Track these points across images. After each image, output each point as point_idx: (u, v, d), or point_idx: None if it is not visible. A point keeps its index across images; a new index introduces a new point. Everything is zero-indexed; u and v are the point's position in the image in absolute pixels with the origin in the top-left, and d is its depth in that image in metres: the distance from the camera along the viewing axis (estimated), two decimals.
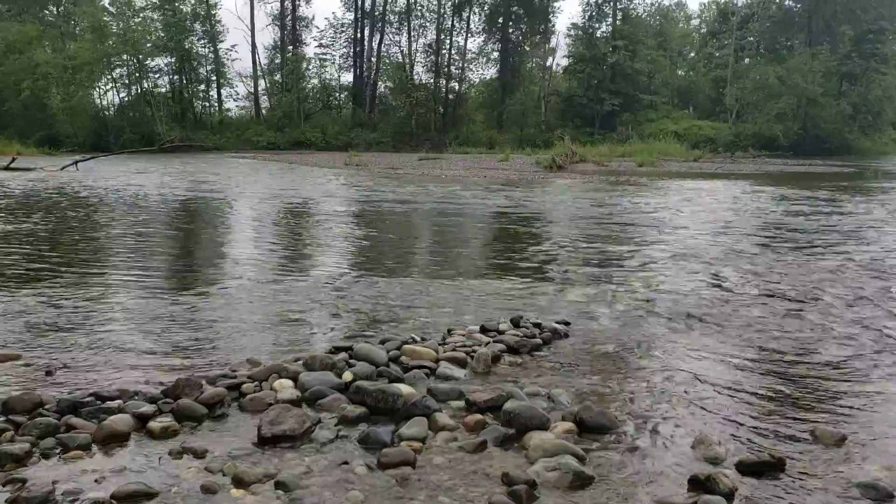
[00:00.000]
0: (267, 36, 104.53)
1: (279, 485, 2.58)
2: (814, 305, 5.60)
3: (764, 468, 2.74)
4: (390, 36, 59.16)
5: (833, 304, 5.63)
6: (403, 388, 3.39)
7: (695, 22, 75.08)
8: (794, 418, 3.34)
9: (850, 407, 3.51)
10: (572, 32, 57.00)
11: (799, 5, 61.28)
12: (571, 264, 7.51)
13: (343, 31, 59.38)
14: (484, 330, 4.62)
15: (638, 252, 8.35)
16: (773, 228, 10.69)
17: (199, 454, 2.84)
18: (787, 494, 2.60)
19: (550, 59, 60.39)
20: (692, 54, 70.73)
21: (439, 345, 4.29)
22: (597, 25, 56.15)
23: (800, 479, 2.71)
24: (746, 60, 61.46)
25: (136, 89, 51.63)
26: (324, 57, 59.33)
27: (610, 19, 56.12)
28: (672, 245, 8.93)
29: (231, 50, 56.39)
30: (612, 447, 2.97)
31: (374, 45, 58.54)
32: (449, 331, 4.66)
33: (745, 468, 2.74)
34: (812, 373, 4.02)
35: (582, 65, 54.12)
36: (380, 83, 58.82)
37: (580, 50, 54.91)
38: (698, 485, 2.57)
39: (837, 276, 6.82)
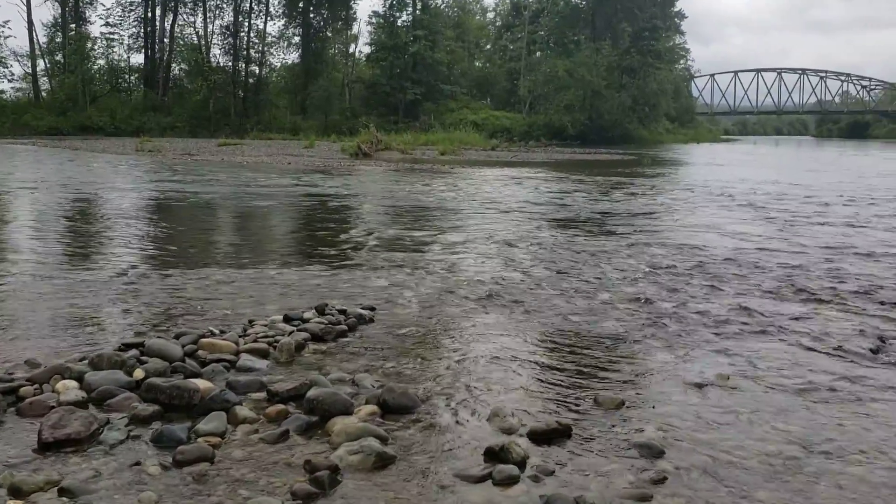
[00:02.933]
0: (45, 12, 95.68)
1: (63, 492, 2.40)
2: (599, 283, 6.03)
3: (553, 435, 2.92)
4: (184, 16, 56.38)
5: (616, 282, 6.09)
6: (200, 383, 3.26)
7: (490, 15, 77.95)
8: (580, 387, 3.58)
9: (629, 374, 3.82)
10: (374, 20, 57.24)
11: (583, 3, 65.35)
12: (377, 250, 7.57)
13: (132, 10, 55.75)
14: (287, 319, 4.54)
15: (440, 237, 8.58)
16: (564, 212, 11.38)
17: None
18: (574, 457, 2.79)
19: (353, 45, 60.31)
20: (488, 46, 73.41)
21: (240, 337, 4.16)
22: (398, 14, 56.76)
23: (585, 443, 2.92)
24: (538, 54, 64.78)
25: None
26: (111, 36, 55.48)
27: (410, 9, 56.92)
28: (472, 229, 9.26)
29: (3, 27, 51.22)
30: (415, 426, 3.03)
31: (167, 26, 55.50)
32: (250, 322, 4.54)
33: (536, 436, 2.91)
34: (596, 345, 4.33)
35: (384, 53, 54.53)
36: (174, 65, 55.89)
37: (382, 38, 55.29)
38: (493, 455, 2.69)
39: (621, 255, 7.38)
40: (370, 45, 57.37)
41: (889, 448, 2.92)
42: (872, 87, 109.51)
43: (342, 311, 4.71)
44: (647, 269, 6.60)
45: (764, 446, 2.92)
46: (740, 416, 3.23)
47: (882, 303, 5.35)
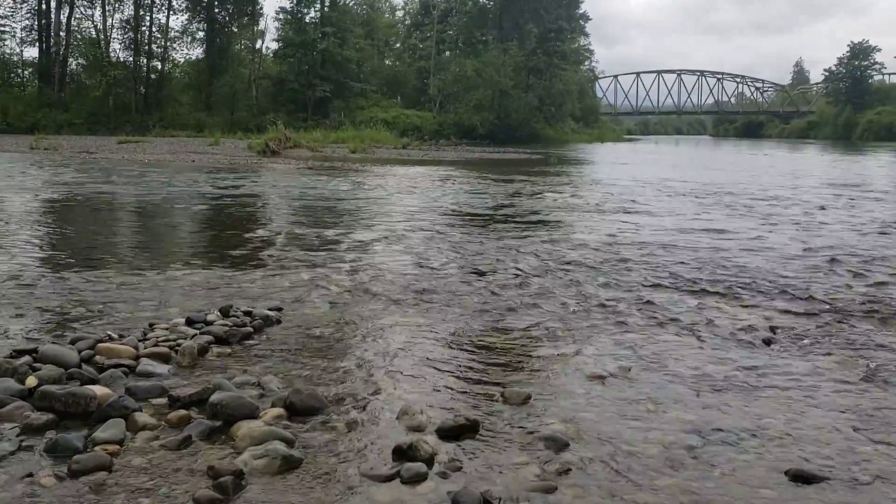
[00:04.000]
0: None
1: None
2: (508, 280, 6.12)
3: (461, 431, 2.95)
4: (81, 9, 53.96)
5: (524, 278, 6.19)
6: (98, 390, 3.14)
7: (399, 13, 77.85)
8: (489, 383, 3.63)
9: (535, 369, 3.90)
10: (281, 16, 56.27)
11: (491, 3, 66.09)
12: (286, 249, 7.46)
13: (25, 1, 53.03)
14: (190, 322, 4.42)
15: (350, 235, 8.52)
16: (474, 210, 11.49)
17: None
18: (481, 452, 2.82)
19: (260, 41, 59.13)
20: (398, 45, 73.33)
21: (139, 341, 4.02)
22: (305, 11, 55.96)
23: (492, 438, 2.96)
24: (447, 53, 65.14)
25: None
26: (2, 29, 52.56)
27: (318, 5, 56.23)
28: (382, 228, 9.24)
29: None
30: (322, 428, 3.00)
31: (63, 19, 53.00)
32: (151, 325, 4.39)
33: (444, 433, 2.93)
34: (505, 340, 4.39)
35: (292, 49, 53.71)
36: (71, 60, 53.48)
37: (289, 34, 54.44)
38: (402, 454, 2.70)
39: (529, 252, 7.51)
40: (277, 41, 56.42)
41: (780, 434, 3.07)
42: (765, 88, 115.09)
43: (248, 313, 4.62)
44: (554, 265, 6.74)
45: (663, 436, 3.02)
46: (641, 407, 3.34)
47: (774, 295, 5.62)
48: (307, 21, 55.27)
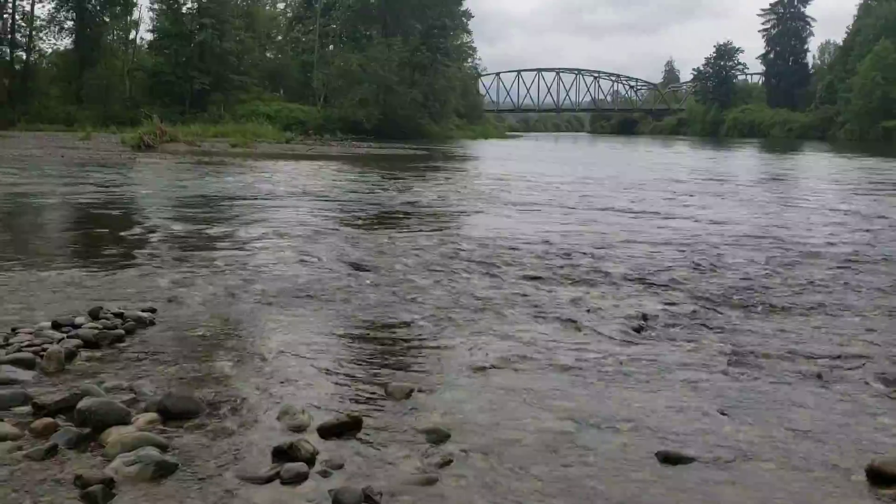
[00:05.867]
0: None
1: None
2: (393, 275, 6.13)
3: (343, 428, 2.94)
4: None
5: (407, 272, 6.22)
6: None
7: (281, 6, 76.19)
8: (373, 378, 3.63)
9: (419, 363, 3.93)
10: (156, 6, 54.03)
11: None
12: (162, 248, 7.20)
13: None
14: (56, 325, 4.19)
15: (230, 232, 8.31)
16: (359, 206, 11.43)
17: None
18: (363, 449, 2.83)
19: (134, 32, 56.53)
20: (280, 38, 71.82)
21: (0, 346, 3.79)
22: (182, 1, 53.95)
23: (374, 433, 2.96)
24: (331, 47, 64.35)
25: None
26: None
27: None
28: (264, 225, 9.05)
29: None
30: (199, 431, 2.92)
31: None
32: (13, 329, 4.14)
33: (325, 431, 2.91)
34: (389, 336, 4.41)
35: (168, 41, 51.77)
36: None
37: (165, 25, 52.42)
38: (282, 455, 2.66)
39: (414, 247, 7.54)
40: (152, 31, 54.18)
41: (650, 418, 3.22)
42: (639, 87, 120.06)
43: (119, 315, 4.42)
44: (438, 260, 6.79)
45: (540, 423, 3.12)
46: (519, 397, 3.42)
47: (646, 285, 5.87)
48: (184, 12, 53.34)
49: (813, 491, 2.61)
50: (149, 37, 55.42)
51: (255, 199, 12.16)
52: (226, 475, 2.57)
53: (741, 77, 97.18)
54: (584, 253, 7.29)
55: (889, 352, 4.19)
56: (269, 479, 2.54)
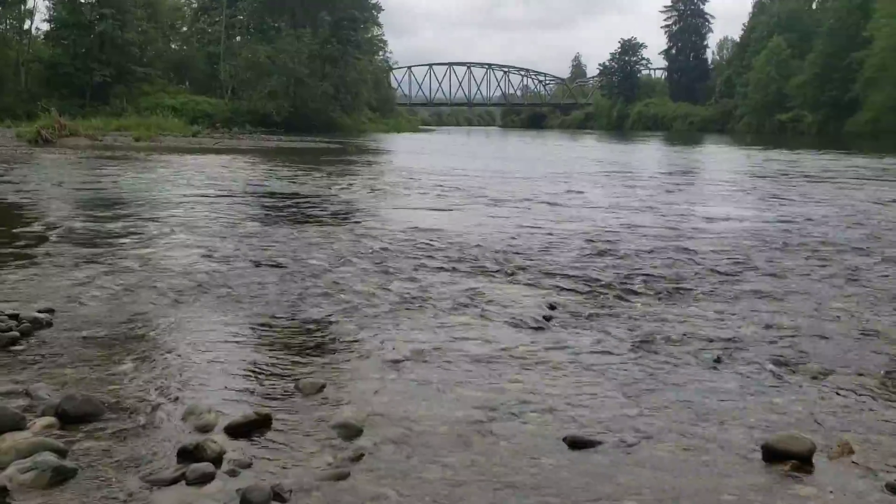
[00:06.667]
0: None
1: None
2: (304, 270, 6.04)
3: (252, 426, 2.89)
4: None
5: (318, 267, 6.15)
6: None
7: None
8: (284, 375, 3.58)
9: (331, 358, 3.90)
10: None
11: None
12: (60, 245, 6.89)
13: None
14: None
15: (134, 229, 8.03)
16: (269, 201, 11.24)
17: None
18: (272, 446, 2.79)
19: (29, 21, 53.82)
20: (185, 28, 69.77)
21: None
22: None
23: (285, 431, 2.92)
24: (238, 38, 62.93)
25: None
26: None
27: None
28: (170, 220, 8.79)
29: None
30: (100, 435, 2.82)
31: None
32: None
33: (233, 430, 2.85)
34: (301, 331, 4.35)
35: (66, 31, 49.59)
36: None
37: (62, 15, 50.16)
38: (187, 455, 2.60)
39: (326, 242, 7.46)
40: (49, 21, 51.77)
41: (559, 404, 3.29)
42: (548, 82, 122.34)
43: (13, 316, 4.22)
44: (350, 254, 6.74)
45: (452, 414, 3.14)
46: (432, 388, 3.44)
47: (554, 275, 5.98)
48: (82, 1, 51.14)
49: (712, 470, 2.72)
50: (45, 27, 52.97)
51: (160, 194, 11.79)
52: (128, 478, 2.49)
53: (645, 72, 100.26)
54: (498, 246, 7.36)
55: (781, 334, 4.41)
56: (174, 481, 2.47)
